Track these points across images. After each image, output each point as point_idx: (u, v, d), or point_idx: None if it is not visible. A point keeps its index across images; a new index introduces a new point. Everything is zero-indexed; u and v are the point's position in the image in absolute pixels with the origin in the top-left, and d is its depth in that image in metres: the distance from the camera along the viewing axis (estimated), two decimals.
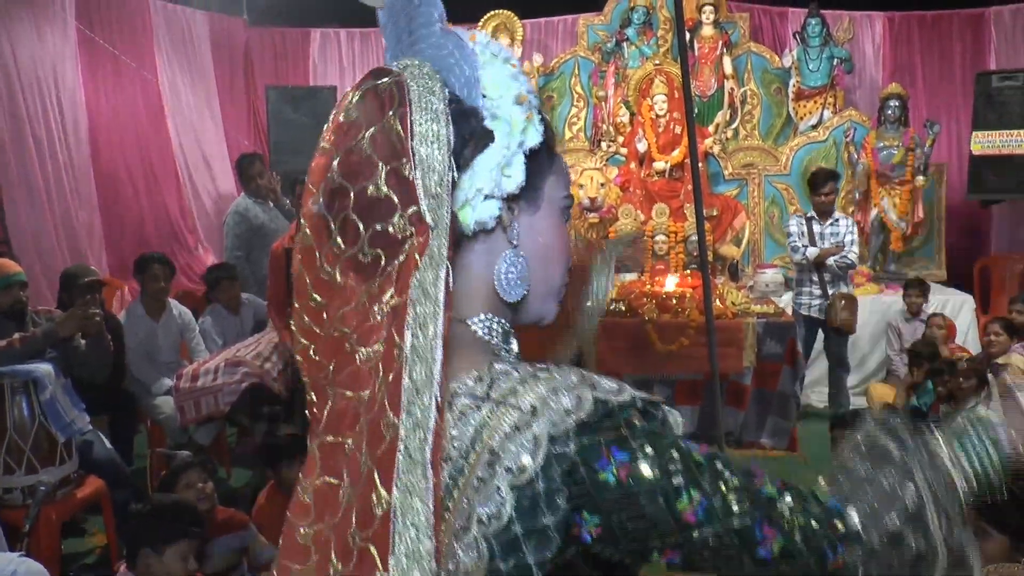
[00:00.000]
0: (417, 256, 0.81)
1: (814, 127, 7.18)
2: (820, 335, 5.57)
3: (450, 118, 0.83)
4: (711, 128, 7.06)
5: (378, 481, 0.78)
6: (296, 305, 0.89)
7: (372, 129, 0.83)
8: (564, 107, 7.82)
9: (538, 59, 7.67)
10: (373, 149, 0.83)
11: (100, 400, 4.03)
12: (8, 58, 5.70)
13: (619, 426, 0.81)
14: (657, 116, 6.57)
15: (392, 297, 0.81)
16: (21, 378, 3.24)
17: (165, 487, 3.07)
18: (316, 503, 0.86)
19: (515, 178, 0.88)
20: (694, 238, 5.60)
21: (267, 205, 6.06)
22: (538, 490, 0.78)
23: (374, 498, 0.78)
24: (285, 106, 7.15)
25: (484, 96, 0.87)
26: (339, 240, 0.84)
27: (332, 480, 0.84)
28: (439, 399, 0.78)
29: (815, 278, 5.46)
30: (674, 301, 5.09)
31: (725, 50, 7.34)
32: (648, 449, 0.80)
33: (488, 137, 0.87)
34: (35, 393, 3.24)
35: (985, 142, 6.84)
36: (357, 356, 0.83)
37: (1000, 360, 4.51)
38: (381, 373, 0.80)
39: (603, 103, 7.42)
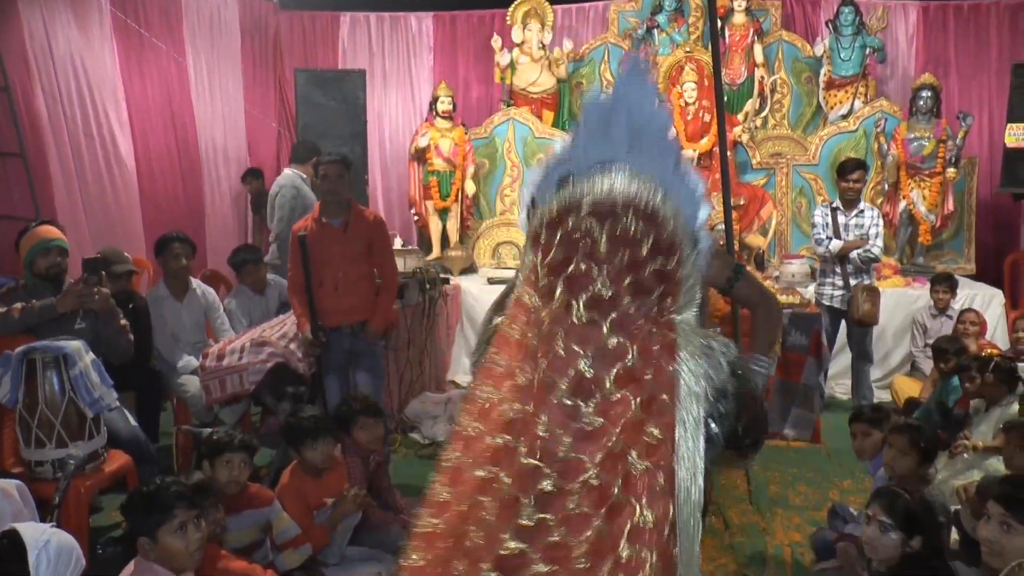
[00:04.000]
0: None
1: (844, 117, 7.09)
2: (843, 327, 5.53)
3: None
4: (740, 116, 7.01)
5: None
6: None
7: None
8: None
9: (568, 45, 7.64)
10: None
11: (127, 377, 4.08)
12: (44, 41, 5.75)
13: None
14: (686, 104, 6.53)
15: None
16: (52, 353, 3.29)
17: (207, 455, 3.12)
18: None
19: None
20: (720, 227, 5.56)
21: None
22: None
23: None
24: (314, 89, 7.16)
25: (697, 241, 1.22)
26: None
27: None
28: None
29: (838, 269, 5.41)
30: None
31: (756, 38, 7.27)
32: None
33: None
34: (65, 368, 3.29)
35: (1019, 134, 6.71)
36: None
37: None
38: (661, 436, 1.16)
39: None
